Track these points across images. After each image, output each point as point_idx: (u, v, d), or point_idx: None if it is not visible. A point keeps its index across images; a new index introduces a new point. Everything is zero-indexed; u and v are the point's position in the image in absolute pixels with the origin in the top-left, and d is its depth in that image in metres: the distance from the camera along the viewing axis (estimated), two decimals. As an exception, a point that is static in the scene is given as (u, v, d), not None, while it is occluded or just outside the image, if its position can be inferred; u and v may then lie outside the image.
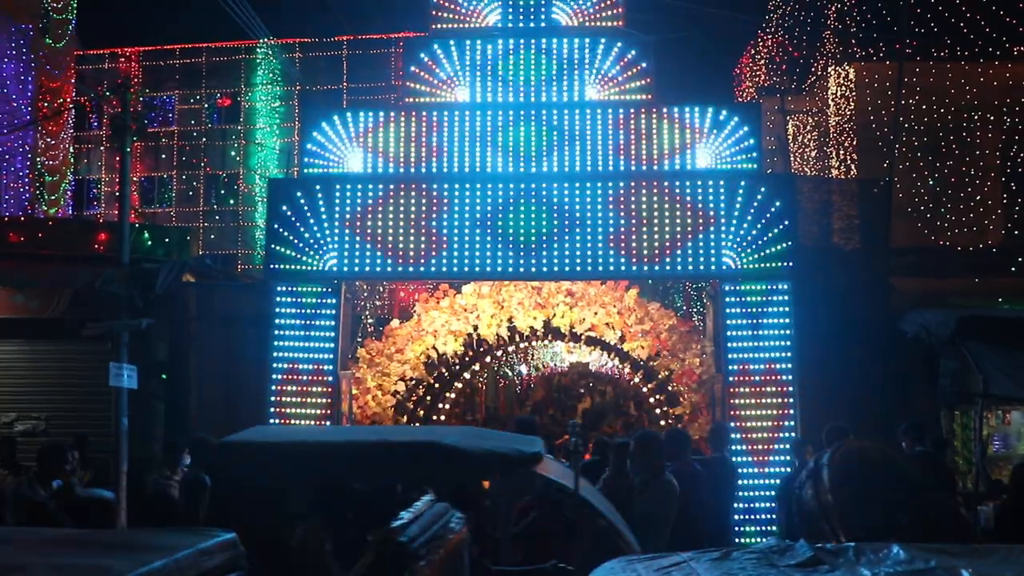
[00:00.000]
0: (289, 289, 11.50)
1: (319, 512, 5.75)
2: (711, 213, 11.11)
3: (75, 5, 26.56)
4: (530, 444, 5.69)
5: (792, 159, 22.12)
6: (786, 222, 11.03)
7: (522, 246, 11.24)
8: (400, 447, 5.36)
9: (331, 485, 5.99)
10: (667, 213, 11.16)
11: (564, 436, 11.59)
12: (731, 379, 11.01)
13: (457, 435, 5.58)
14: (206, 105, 34.47)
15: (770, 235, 11.01)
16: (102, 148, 33.92)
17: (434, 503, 5.81)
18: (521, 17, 12.04)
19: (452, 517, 5.65)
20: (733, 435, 10.69)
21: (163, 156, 34.33)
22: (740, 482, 10.40)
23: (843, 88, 19.33)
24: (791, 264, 11.00)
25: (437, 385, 12.47)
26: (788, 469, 10.17)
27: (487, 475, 6.06)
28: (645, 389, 12.22)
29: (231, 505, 5.46)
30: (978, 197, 17.80)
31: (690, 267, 11.18)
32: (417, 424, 12.28)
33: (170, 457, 9.10)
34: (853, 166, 18.77)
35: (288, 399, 11.33)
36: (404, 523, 4.85)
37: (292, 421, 11.21)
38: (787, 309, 11.03)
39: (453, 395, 12.82)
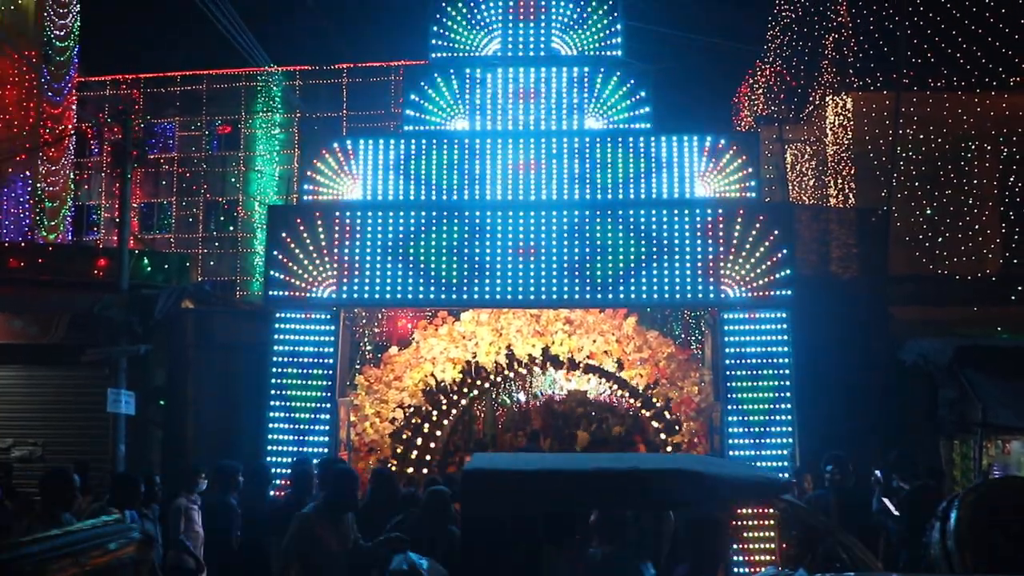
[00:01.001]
0: (288, 316, 11.48)
1: (554, 536, 5.70)
2: (710, 242, 11.12)
3: (77, 33, 26.76)
4: (776, 473, 5.67)
5: (790, 188, 22.22)
6: (784, 251, 11.05)
7: (520, 274, 11.24)
8: (654, 475, 5.21)
9: (577, 512, 5.84)
10: (665, 242, 11.17)
11: None
12: (729, 407, 10.97)
13: (703, 463, 5.48)
14: (206, 132, 34.63)
15: (769, 264, 11.02)
16: (102, 174, 34.02)
17: (118, 521, 5.66)
18: (521, 47, 12.11)
19: (122, 537, 5.48)
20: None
21: (163, 182, 34.44)
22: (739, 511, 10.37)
23: (841, 117, 19.44)
24: (790, 293, 11.00)
25: (435, 412, 12.44)
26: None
27: (743, 503, 5.94)
28: (643, 417, 12.20)
29: (475, 531, 5.31)
30: (976, 226, 17.87)
31: (689, 295, 11.17)
32: (415, 452, 12.26)
33: (190, 482, 9.10)
34: (851, 195, 18.85)
35: (285, 425, 11.28)
36: (23, 539, 4.71)
37: (290, 448, 11.16)
38: (786, 338, 11.01)
39: (451, 422, 12.79)
